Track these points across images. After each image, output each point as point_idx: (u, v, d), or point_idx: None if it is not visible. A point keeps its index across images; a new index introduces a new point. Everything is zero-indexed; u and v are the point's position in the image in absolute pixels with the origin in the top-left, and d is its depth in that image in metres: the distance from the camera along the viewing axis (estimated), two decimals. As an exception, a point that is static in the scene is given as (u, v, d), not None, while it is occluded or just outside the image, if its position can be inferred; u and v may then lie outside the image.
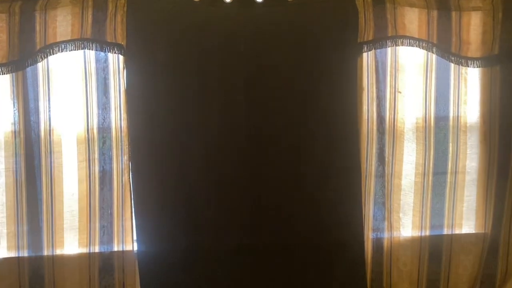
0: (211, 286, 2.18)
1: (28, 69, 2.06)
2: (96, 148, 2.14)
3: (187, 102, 2.09)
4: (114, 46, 2.06)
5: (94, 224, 2.17)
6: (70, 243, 2.17)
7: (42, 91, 2.10)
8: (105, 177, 2.15)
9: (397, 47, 2.18)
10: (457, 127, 2.27)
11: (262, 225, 2.15)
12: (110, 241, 2.18)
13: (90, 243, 2.17)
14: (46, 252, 2.14)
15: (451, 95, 2.26)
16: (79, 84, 2.11)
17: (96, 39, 2.04)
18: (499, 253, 2.31)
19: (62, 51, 2.03)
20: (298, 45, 2.10)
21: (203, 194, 2.12)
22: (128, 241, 2.19)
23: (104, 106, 2.13)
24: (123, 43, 2.05)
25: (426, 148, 2.26)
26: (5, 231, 2.13)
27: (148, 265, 2.14)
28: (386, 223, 2.27)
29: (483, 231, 2.32)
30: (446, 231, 2.32)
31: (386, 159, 2.25)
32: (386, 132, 2.23)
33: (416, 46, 2.16)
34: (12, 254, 2.14)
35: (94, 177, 2.15)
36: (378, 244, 2.28)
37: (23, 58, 2.01)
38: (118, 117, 2.13)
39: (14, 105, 2.09)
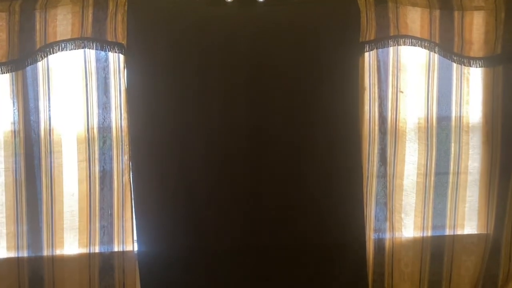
0: (211, 286, 2.17)
1: (28, 68, 2.05)
2: (96, 148, 2.13)
3: (187, 101, 2.09)
4: (114, 45, 2.05)
5: (94, 224, 2.16)
6: (70, 243, 2.17)
7: (42, 91, 2.09)
8: (105, 177, 2.15)
9: (399, 47, 2.18)
10: (459, 127, 2.27)
11: (263, 226, 2.15)
12: (110, 241, 2.18)
13: (90, 243, 2.17)
14: (46, 253, 2.14)
15: (453, 95, 2.25)
16: (79, 84, 2.11)
17: (96, 38, 2.04)
18: (501, 254, 2.31)
19: (62, 50, 2.03)
20: (299, 45, 2.10)
21: (204, 194, 2.12)
22: (128, 241, 2.18)
23: (104, 106, 2.12)
24: (124, 42, 2.05)
25: (428, 148, 2.25)
26: (4, 231, 2.12)
27: (148, 266, 2.13)
28: (387, 223, 2.27)
29: (485, 232, 2.32)
30: (448, 231, 2.31)
31: (388, 159, 2.24)
32: (388, 132, 2.23)
33: (418, 46, 2.16)
34: (12, 254, 2.13)
35: (94, 177, 2.14)
36: (379, 245, 2.28)
37: (23, 57, 2.01)
38: (118, 117, 2.12)
39: (13, 105, 2.08)
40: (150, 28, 2.06)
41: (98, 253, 2.17)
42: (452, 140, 2.28)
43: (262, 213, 2.14)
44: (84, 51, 2.08)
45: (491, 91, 2.26)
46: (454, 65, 2.22)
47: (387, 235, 2.27)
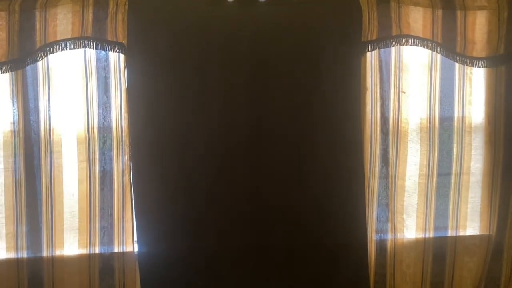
0: (212, 286, 2.16)
1: (28, 67, 2.05)
2: (96, 148, 2.12)
3: (188, 101, 2.08)
4: (115, 45, 2.04)
5: (94, 225, 2.15)
6: (70, 244, 2.16)
7: (42, 90, 2.09)
8: (106, 177, 2.14)
9: (401, 47, 2.17)
10: (462, 127, 2.26)
11: (264, 226, 2.14)
12: (110, 242, 2.17)
13: (90, 244, 2.16)
14: (45, 253, 2.13)
15: (456, 95, 2.24)
16: (79, 83, 2.10)
17: (96, 37, 2.03)
18: (503, 255, 2.30)
19: (62, 49, 2.02)
20: (300, 45, 2.09)
21: (204, 194, 2.11)
22: (128, 242, 2.17)
23: (104, 106, 2.11)
24: (124, 41, 2.04)
25: (430, 149, 2.24)
26: (4, 231, 2.12)
27: (148, 266, 2.12)
28: (389, 224, 2.26)
29: (487, 233, 2.31)
30: (450, 232, 2.30)
31: (390, 160, 2.23)
32: (389, 132, 2.22)
33: (421, 46, 2.15)
34: (11, 255, 2.12)
35: (95, 177, 2.13)
36: (381, 246, 2.27)
37: (23, 57, 2.00)
38: (119, 117, 2.12)
39: (13, 104, 2.07)
40: (151, 27, 2.05)
41: (98, 253, 2.16)
42: (455, 141, 2.27)
43: (262, 213, 2.13)
44: (85, 50, 2.07)
45: (493, 91, 2.25)
46: (457, 65, 2.21)
47: (389, 236, 2.26)
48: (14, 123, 2.08)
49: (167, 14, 2.06)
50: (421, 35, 2.14)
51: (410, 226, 2.28)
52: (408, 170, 2.25)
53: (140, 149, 2.09)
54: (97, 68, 2.10)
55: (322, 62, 2.10)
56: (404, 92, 2.21)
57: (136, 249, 2.15)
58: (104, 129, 2.12)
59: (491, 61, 2.18)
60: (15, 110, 2.07)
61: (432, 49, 2.16)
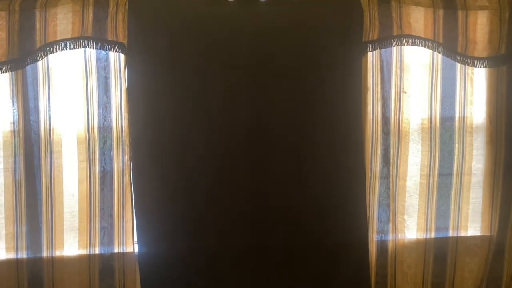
0: (212, 287, 2.16)
1: (28, 67, 2.04)
2: (96, 148, 2.12)
3: (188, 101, 2.07)
4: (115, 45, 2.04)
5: (95, 225, 2.15)
6: (70, 244, 2.16)
7: (42, 90, 2.08)
8: (106, 177, 2.14)
9: (402, 47, 2.17)
10: (463, 128, 2.26)
11: (264, 226, 2.13)
12: (110, 242, 2.16)
13: (90, 244, 2.15)
14: (45, 254, 2.12)
15: (457, 95, 2.24)
16: (79, 83, 2.09)
17: (97, 37, 2.02)
18: (505, 256, 2.29)
19: (62, 49, 2.02)
20: (301, 45, 2.09)
21: (204, 194, 2.10)
22: (128, 242, 2.17)
23: (105, 106, 2.11)
24: (124, 41, 2.04)
25: (432, 149, 2.24)
26: (3, 232, 2.11)
27: (149, 267, 2.12)
28: (390, 225, 2.25)
29: (489, 234, 2.30)
30: (451, 233, 2.30)
31: (391, 160, 2.23)
32: (391, 132, 2.21)
33: (422, 46, 2.15)
34: (11, 255, 2.12)
35: (95, 178, 2.13)
36: (382, 246, 2.26)
37: (22, 57, 2.00)
38: (119, 117, 2.11)
39: (13, 104, 2.07)
40: (151, 27, 2.04)
41: (98, 254, 2.16)
42: (456, 141, 2.26)
43: (262, 214, 2.12)
44: (85, 50, 2.06)
45: (495, 91, 2.24)
46: (458, 65, 2.20)
47: (390, 237, 2.26)
48: (14, 123, 2.07)
49: (167, 14, 2.05)
50: (422, 35, 2.14)
51: (411, 227, 2.28)
52: (409, 171, 2.25)
53: (140, 149, 2.08)
54: (97, 68, 2.09)
55: (323, 62, 2.09)
56: (405, 92, 2.20)
57: (136, 250, 2.15)
58: (104, 129, 2.12)
59: (492, 61, 2.18)
60: (15, 110, 2.07)
61: (433, 49, 2.16)
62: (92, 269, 2.16)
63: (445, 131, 2.26)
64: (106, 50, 2.05)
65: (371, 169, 2.21)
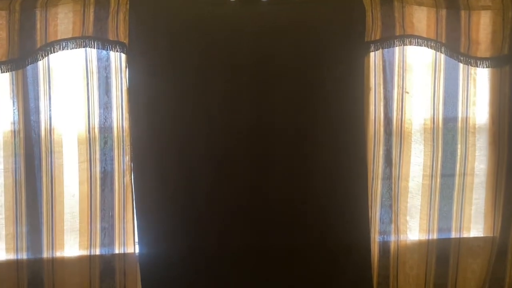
0: (213, 288, 2.14)
1: (29, 67, 2.03)
2: (97, 148, 2.11)
3: (189, 101, 2.06)
4: (116, 44, 2.03)
5: (95, 226, 2.14)
6: (71, 245, 2.15)
7: (43, 90, 2.07)
8: (107, 178, 2.13)
9: (405, 47, 2.16)
10: (466, 128, 2.25)
11: (265, 227, 2.12)
12: (111, 243, 2.15)
13: (90, 245, 2.15)
14: (45, 255, 2.12)
15: (460, 95, 2.23)
16: (80, 83, 2.09)
17: (98, 37, 2.02)
18: (507, 257, 2.29)
19: (63, 49, 2.01)
20: (303, 44, 2.08)
21: (206, 195, 2.10)
22: (129, 243, 2.16)
23: (105, 106, 2.10)
24: (125, 41, 2.03)
25: (434, 149, 2.23)
26: (3, 232, 2.10)
27: (150, 268, 2.11)
28: (393, 226, 2.25)
29: (491, 235, 2.30)
30: (454, 234, 2.29)
31: (393, 161, 2.22)
32: (393, 133, 2.21)
33: (425, 46, 2.14)
34: (11, 256, 2.11)
35: (95, 178, 2.12)
36: (384, 247, 2.25)
37: (23, 56, 1.99)
38: (120, 117, 2.10)
39: (13, 104, 2.06)
40: (152, 27, 2.04)
41: (99, 255, 2.15)
42: (459, 142, 2.25)
43: (263, 214, 2.12)
44: (86, 50, 2.05)
45: (498, 91, 2.24)
46: (461, 65, 2.20)
47: (392, 238, 2.25)
48: (14, 123, 2.06)
49: (168, 13, 2.04)
50: (425, 35, 2.13)
51: (413, 228, 2.27)
52: (411, 171, 2.24)
53: (141, 149, 2.08)
54: (98, 67, 2.09)
55: (325, 62, 2.09)
56: (407, 93, 2.20)
57: (137, 250, 2.14)
58: (105, 129, 2.11)
59: (495, 61, 2.17)
60: (15, 110, 2.06)
61: (436, 49, 2.15)
62: (92, 270, 2.15)
63: (447, 132, 2.25)
64: (107, 50, 2.04)
65: (373, 169, 2.20)
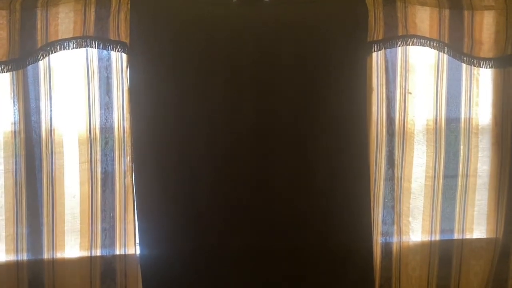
0: (216, 290, 2.14)
1: (29, 67, 2.03)
2: (98, 149, 2.11)
3: (191, 102, 2.05)
4: (117, 44, 2.02)
5: (96, 227, 2.13)
6: (71, 246, 2.14)
7: (43, 90, 2.06)
8: (107, 178, 2.12)
9: (407, 47, 2.15)
10: (469, 129, 2.24)
11: (269, 229, 2.12)
12: (112, 244, 2.15)
13: (91, 246, 2.14)
14: (46, 256, 2.11)
15: (463, 96, 2.22)
16: (81, 83, 2.08)
17: (99, 37, 2.01)
18: (510, 258, 2.28)
19: (64, 49, 2.00)
20: (305, 44, 2.07)
21: (207, 195, 2.09)
22: (130, 244, 2.15)
23: (106, 106, 2.09)
24: (127, 41, 2.02)
25: (437, 150, 2.22)
26: (3, 234, 2.09)
27: (151, 269, 2.10)
28: (395, 227, 2.24)
29: (494, 236, 2.29)
30: (456, 235, 2.28)
31: (396, 162, 2.21)
32: (395, 134, 2.20)
33: (427, 46, 2.13)
34: (11, 257, 2.10)
35: (96, 179, 2.11)
36: (387, 249, 2.24)
37: (23, 56, 1.98)
38: (121, 117, 2.10)
39: (14, 105, 2.05)
40: (153, 26, 2.03)
41: (99, 256, 2.14)
42: (461, 142, 2.25)
43: (265, 215, 2.11)
44: (86, 50, 2.04)
45: (501, 92, 2.23)
46: (464, 65, 2.19)
47: (395, 239, 2.24)
48: (15, 123, 2.06)
49: (170, 13, 2.04)
50: (427, 35, 2.12)
51: (416, 229, 2.26)
52: (414, 172, 2.23)
53: (142, 150, 2.07)
54: (99, 67, 2.08)
55: (328, 62, 2.08)
56: (410, 93, 2.19)
57: (138, 252, 2.13)
58: (106, 129, 2.10)
59: (498, 62, 2.16)
60: (15, 110, 2.05)
61: (439, 49, 2.14)
62: (93, 271, 2.14)
63: (450, 133, 2.24)
64: (108, 50, 2.04)
65: (375, 170, 2.19)
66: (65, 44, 1.99)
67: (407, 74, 2.18)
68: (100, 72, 2.08)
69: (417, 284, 2.27)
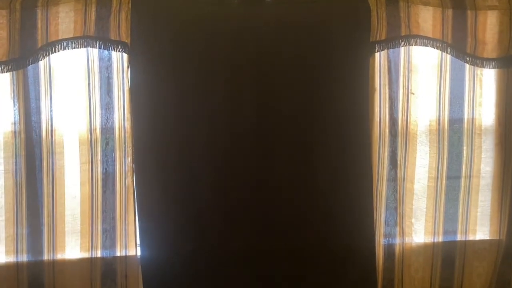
0: (217, 292, 2.13)
1: (29, 67, 2.02)
2: (99, 150, 2.10)
3: (192, 102, 2.05)
4: (118, 44, 2.02)
5: (96, 228, 2.12)
6: (72, 247, 2.13)
7: (44, 90, 2.06)
8: (108, 179, 2.11)
9: (410, 47, 2.14)
10: (472, 129, 2.23)
11: (270, 230, 2.11)
12: (112, 245, 2.14)
13: (92, 247, 2.13)
14: (46, 257, 2.10)
15: (466, 96, 2.22)
16: (81, 83, 2.07)
17: (99, 36, 2.00)
18: (514, 260, 2.27)
19: (64, 49, 2.00)
20: (308, 45, 2.06)
21: (209, 196, 2.08)
22: (131, 245, 2.14)
23: (107, 106, 2.09)
24: (127, 41, 2.02)
25: (440, 151, 2.21)
26: (3, 234, 2.08)
27: (151, 271, 2.10)
28: (398, 228, 2.23)
29: (497, 238, 2.28)
30: (459, 237, 2.27)
31: (398, 163, 2.20)
32: (398, 134, 2.19)
33: (430, 46, 2.12)
34: (11, 258, 2.09)
35: (97, 179, 2.10)
36: (389, 250, 2.24)
37: (24, 56, 1.98)
38: (121, 118, 2.09)
39: (14, 105, 2.05)
40: (154, 26, 2.02)
41: (100, 257, 2.13)
42: (464, 143, 2.24)
43: (266, 215, 2.10)
44: (87, 50, 2.04)
45: (504, 92, 2.22)
46: (467, 66, 2.18)
47: (397, 240, 2.23)
48: (15, 123, 2.05)
49: (171, 13, 2.03)
50: (430, 35, 2.12)
51: (418, 230, 2.25)
52: (417, 173, 2.22)
53: (142, 151, 2.06)
54: (100, 67, 2.07)
55: (330, 63, 2.07)
56: (413, 93, 2.18)
57: (139, 253, 2.13)
58: (107, 130, 2.10)
59: (502, 62, 2.16)
60: (16, 111, 2.04)
61: (442, 49, 2.14)
62: (94, 272, 2.13)
63: (453, 133, 2.23)
64: (109, 50, 2.03)
65: (378, 171, 2.19)
66: (65, 44, 1.99)
67: (410, 74, 2.17)
68: (100, 72, 2.07)
69: (420, 285, 2.26)
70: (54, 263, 2.11)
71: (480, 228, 2.29)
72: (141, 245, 2.11)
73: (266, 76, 2.06)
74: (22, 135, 2.05)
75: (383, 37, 2.09)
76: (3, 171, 2.06)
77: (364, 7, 2.06)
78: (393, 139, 2.19)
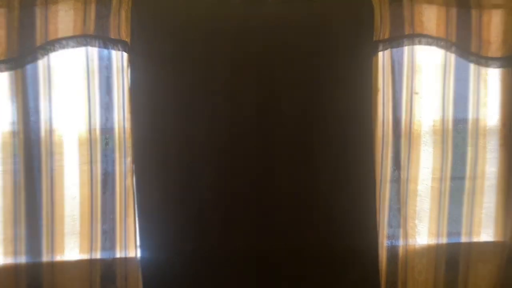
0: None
1: (28, 66, 2.01)
2: (98, 150, 2.09)
3: (193, 102, 2.04)
4: (117, 43, 2.01)
5: (96, 229, 2.11)
6: (71, 249, 2.12)
7: (43, 90, 2.05)
8: (108, 180, 2.10)
9: (414, 46, 2.14)
10: (476, 130, 2.23)
11: (272, 231, 2.10)
12: (112, 247, 2.13)
13: (91, 249, 2.12)
14: (45, 258, 2.09)
15: (470, 96, 2.21)
16: (81, 83, 2.06)
17: (99, 35, 2.00)
18: (518, 262, 2.26)
19: (63, 47, 2.00)
20: (310, 44, 2.06)
21: (210, 197, 2.07)
22: (131, 247, 2.13)
23: (107, 106, 2.07)
24: (127, 40, 2.01)
25: (444, 152, 2.20)
26: (1, 236, 2.07)
27: (151, 272, 2.09)
28: (401, 230, 2.22)
29: (502, 239, 2.27)
30: (463, 239, 2.27)
31: (402, 164, 2.19)
32: (402, 135, 2.18)
33: (434, 45, 2.12)
34: (9, 260, 2.08)
35: (96, 180, 2.09)
36: (392, 252, 2.23)
37: (22, 55, 1.97)
38: (121, 118, 2.08)
39: (13, 104, 2.03)
40: (155, 25, 2.01)
41: (99, 259, 2.12)
42: (469, 144, 2.23)
43: (268, 216, 2.09)
44: (86, 49, 2.03)
45: (509, 92, 2.21)
46: (471, 65, 2.18)
47: (401, 242, 2.22)
48: (13, 123, 2.04)
49: (171, 12, 2.02)
50: (434, 34, 2.11)
51: (422, 232, 2.25)
52: (420, 174, 2.22)
53: (143, 151, 2.05)
54: (99, 67, 2.06)
55: (333, 62, 2.06)
56: (417, 93, 2.17)
57: (138, 255, 2.12)
58: (106, 130, 2.09)
59: (507, 62, 2.16)
60: (14, 110, 2.03)
61: (446, 49, 2.13)
62: (93, 274, 2.12)
63: (457, 134, 2.23)
64: (109, 49, 2.03)
65: (381, 172, 2.18)
66: (64, 42, 1.99)
67: (413, 74, 2.16)
68: (100, 71, 2.06)
69: (423, 288, 2.26)
70: (53, 265, 2.09)
71: (485, 229, 2.28)
72: (141, 245, 2.10)
73: (266, 76, 2.05)
74: (21, 135, 2.04)
75: (386, 36, 2.09)
76: (1, 172, 2.05)
77: (367, 5, 2.06)
78: (397, 140, 2.18)
